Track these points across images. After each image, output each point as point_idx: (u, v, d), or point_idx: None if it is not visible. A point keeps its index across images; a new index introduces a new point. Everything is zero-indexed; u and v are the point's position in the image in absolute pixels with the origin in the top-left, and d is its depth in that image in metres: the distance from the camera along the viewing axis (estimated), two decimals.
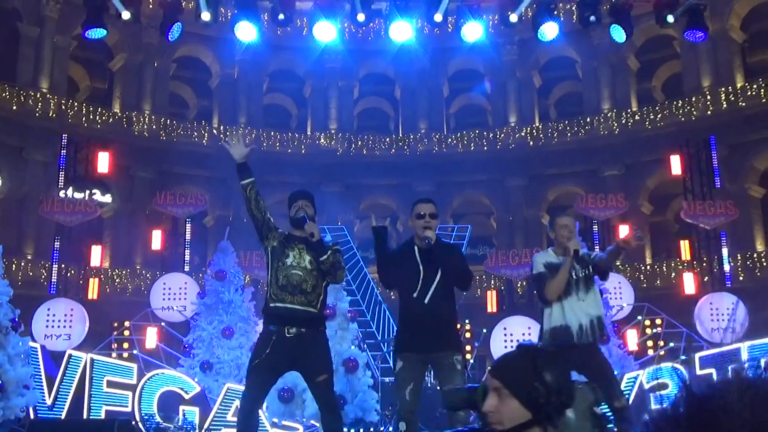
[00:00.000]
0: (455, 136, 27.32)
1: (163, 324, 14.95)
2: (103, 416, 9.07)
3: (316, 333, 5.03)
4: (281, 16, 11.93)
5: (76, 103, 24.84)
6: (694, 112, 24.04)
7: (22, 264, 21.72)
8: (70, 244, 18.88)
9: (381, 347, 16.78)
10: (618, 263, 22.87)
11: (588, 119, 25.99)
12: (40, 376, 9.01)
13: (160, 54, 26.06)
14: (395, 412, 6.21)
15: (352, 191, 26.37)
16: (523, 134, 26.64)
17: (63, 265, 18.77)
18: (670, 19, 11.82)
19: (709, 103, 23.90)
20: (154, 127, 25.56)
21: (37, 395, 8.64)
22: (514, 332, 14.65)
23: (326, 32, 12.29)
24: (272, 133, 27.00)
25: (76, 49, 25.75)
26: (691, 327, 15.53)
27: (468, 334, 16.54)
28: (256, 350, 5.04)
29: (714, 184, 19.94)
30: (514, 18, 12.35)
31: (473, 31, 12.22)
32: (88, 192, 19.39)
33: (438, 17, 11.89)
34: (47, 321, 15.00)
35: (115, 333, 15.56)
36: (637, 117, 25.46)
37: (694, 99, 24.25)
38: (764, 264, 22.22)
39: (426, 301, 4.91)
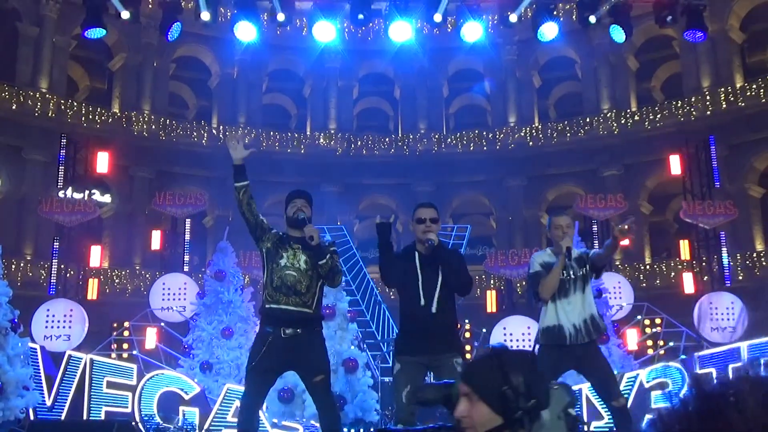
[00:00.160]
0: (455, 136, 27.32)
1: (162, 324, 14.94)
2: (102, 417, 9.07)
3: (312, 333, 5.02)
4: (281, 16, 11.92)
5: (75, 103, 24.82)
6: (694, 112, 24.05)
7: (22, 264, 21.71)
8: (69, 244, 18.86)
9: (380, 347, 16.78)
10: (617, 263, 22.91)
11: (587, 119, 26.00)
12: (40, 376, 9.01)
13: (159, 54, 26.05)
14: (394, 414, 6.21)
15: (352, 191, 26.36)
16: (522, 134, 26.64)
17: (62, 266, 18.74)
18: (670, 19, 11.82)
19: (708, 103, 23.91)
20: (153, 127, 25.55)
21: (36, 396, 8.63)
22: (513, 332, 14.66)
23: (326, 32, 12.28)
24: (272, 133, 26.99)
25: (75, 48, 25.74)
26: (691, 326, 15.54)
27: (467, 334, 16.55)
28: (253, 352, 5.04)
29: (713, 184, 19.94)
30: (513, 18, 12.35)
31: (473, 32, 12.22)
32: (87, 192, 19.37)
33: (437, 17, 11.88)
34: (47, 321, 14.98)
35: (114, 333, 15.55)
36: (636, 117, 25.47)
37: (693, 99, 24.26)
38: (763, 263, 22.24)
39: (425, 305, 4.91)
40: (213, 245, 21.74)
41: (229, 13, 20.33)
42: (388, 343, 16.48)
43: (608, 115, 25.75)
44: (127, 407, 9.21)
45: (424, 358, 4.89)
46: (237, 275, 13.52)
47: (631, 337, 15.39)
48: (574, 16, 18.91)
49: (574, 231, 5.57)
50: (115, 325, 16.00)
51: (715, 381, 1.14)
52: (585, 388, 9.53)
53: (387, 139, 27.70)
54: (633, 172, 25.08)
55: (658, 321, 15.80)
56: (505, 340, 14.51)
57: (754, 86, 23.35)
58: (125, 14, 11.60)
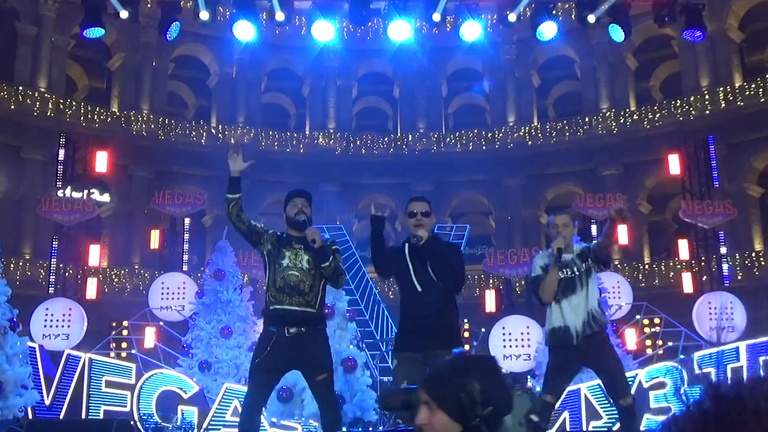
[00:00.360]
0: (454, 136, 27.32)
1: (161, 323, 14.92)
2: (101, 416, 9.06)
3: (316, 332, 5.02)
4: (280, 16, 11.92)
5: (74, 103, 24.82)
6: (693, 112, 24.06)
7: (21, 264, 21.71)
8: (68, 243, 18.85)
9: (379, 347, 16.77)
10: (617, 262, 22.92)
11: (586, 119, 26.01)
12: (39, 376, 9.00)
13: (158, 53, 26.04)
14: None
15: (351, 190, 26.36)
16: (521, 134, 26.64)
17: (61, 265, 18.73)
18: (669, 18, 11.82)
19: (707, 102, 23.92)
20: (152, 126, 25.54)
21: (35, 395, 8.63)
22: (512, 332, 14.65)
23: (325, 31, 12.28)
24: (270, 132, 26.98)
25: (74, 48, 25.72)
26: (690, 326, 15.54)
27: (466, 334, 16.54)
28: (257, 351, 5.04)
29: (712, 183, 19.94)
30: (512, 17, 12.35)
31: (472, 31, 12.21)
32: (86, 191, 19.36)
33: (436, 17, 11.88)
34: (45, 321, 14.96)
35: (113, 333, 15.53)
36: (635, 116, 25.48)
37: (692, 98, 24.28)
38: (762, 263, 22.25)
39: (422, 299, 4.90)
40: (212, 244, 21.72)
41: (227, 13, 20.31)
42: (386, 343, 16.47)
43: (607, 114, 25.76)
44: (125, 406, 9.21)
45: (421, 355, 4.88)
46: (236, 274, 13.51)
47: (630, 337, 15.39)
48: (573, 16, 18.88)
49: (572, 230, 5.51)
50: (113, 324, 15.98)
51: (733, 382, 1.12)
52: (584, 388, 9.54)
53: (386, 139, 27.70)
54: (632, 172, 25.09)
55: (657, 321, 15.81)
56: (504, 340, 14.52)
57: (753, 86, 23.36)
58: (124, 14, 11.59)
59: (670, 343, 14.73)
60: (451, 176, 26.13)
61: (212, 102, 28.03)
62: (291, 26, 13.92)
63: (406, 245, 5.02)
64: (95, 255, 19.00)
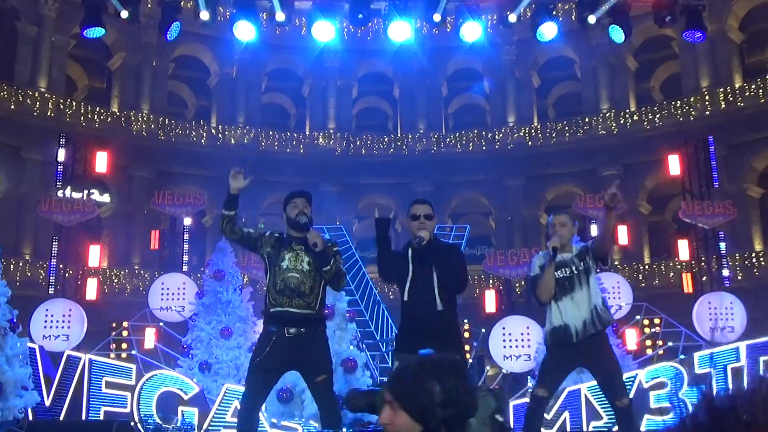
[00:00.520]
0: (454, 136, 27.32)
1: (161, 324, 14.92)
2: (101, 417, 9.05)
3: (316, 333, 5.02)
4: (280, 16, 11.91)
5: (74, 103, 24.81)
6: (693, 113, 24.06)
7: (20, 264, 21.70)
8: (68, 244, 18.84)
9: (380, 347, 16.78)
10: (617, 263, 22.93)
11: (586, 119, 26.01)
12: (39, 376, 8.99)
13: (158, 53, 26.04)
14: None
15: (351, 191, 26.37)
16: (521, 134, 26.64)
17: (61, 266, 18.72)
18: (669, 19, 11.81)
19: (707, 103, 23.92)
20: (152, 126, 25.53)
21: (35, 396, 8.61)
22: (512, 332, 14.64)
23: (325, 32, 12.27)
24: (271, 132, 26.98)
25: (74, 48, 25.72)
26: (690, 326, 15.54)
27: (467, 334, 16.53)
28: (256, 350, 5.04)
29: (712, 184, 19.93)
30: (512, 18, 12.34)
31: (472, 31, 12.21)
32: (86, 192, 19.35)
33: (437, 17, 11.88)
34: (45, 321, 14.96)
35: (113, 333, 15.53)
36: (635, 117, 25.48)
37: (692, 99, 24.28)
38: (762, 264, 22.26)
39: (422, 300, 4.89)
40: (212, 245, 21.71)
41: (228, 13, 20.31)
42: (386, 343, 16.48)
43: (607, 115, 25.76)
44: (125, 407, 9.20)
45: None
46: (236, 275, 13.50)
47: (630, 337, 15.39)
48: (573, 16, 18.89)
49: (570, 230, 5.50)
50: (113, 325, 15.98)
51: (727, 393, 1.12)
52: (584, 388, 9.53)
53: (386, 139, 27.70)
54: (632, 172, 25.08)
55: (657, 321, 15.80)
56: (504, 341, 14.51)
57: (753, 86, 23.37)
58: (124, 14, 11.59)
59: (670, 344, 14.73)
60: (451, 176, 26.13)
61: (212, 102, 28.03)
62: (291, 26, 13.92)
63: (409, 249, 5.02)
64: (95, 255, 19.00)
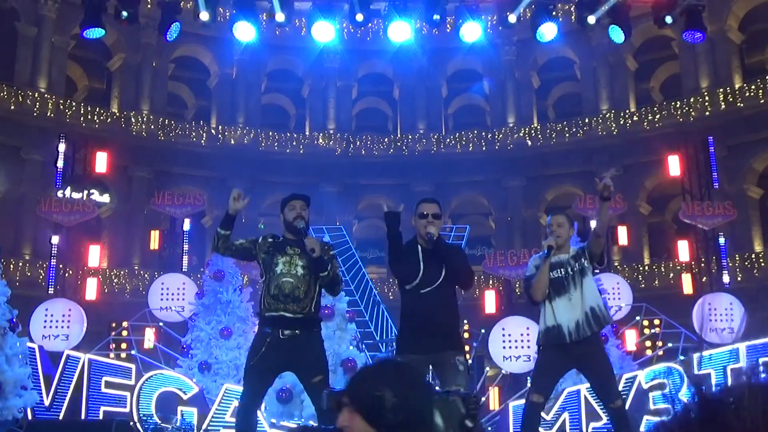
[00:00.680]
0: (454, 137, 27.32)
1: (161, 324, 14.92)
2: (101, 417, 9.05)
3: (311, 334, 5.02)
4: (280, 16, 11.91)
5: (74, 103, 24.82)
6: (693, 113, 24.06)
7: (20, 264, 21.70)
8: (68, 244, 18.84)
9: (379, 347, 16.78)
10: (616, 263, 22.92)
11: (586, 120, 26.01)
12: (38, 376, 9.00)
13: (158, 54, 26.04)
14: None
15: (350, 191, 26.36)
16: (521, 135, 26.65)
17: (61, 266, 18.72)
18: (669, 20, 11.82)
19: (707, 103, 23.92)
20: (152, 127, 25.53)
21: (34, 396, 8.62)
22: (512, 332, 14.63)
23: (325, 32, 12.28)
24: (270, 133, 26.97)
25: (74, 48, 25.72)
26: (690, 327, 15.54)
27: (466, 335, 16.53)
28: (252, 352, 5.05)
29: (712, 184, 19.94)
30: (512, 18, 12.35)
31: (472, 32, 12.22)
32: (86, 192, 19.35)
33: (436, 18, 11.88)
34: (45, 321, 14.96)
35: (113, 333, 15.52)
36: (635, 117, 25.48)
37: (692, 100, 24.28)
38: (762, 264, 22.25)
39: (425, 300, 4.89)
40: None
41: (228, 13, 20.32)
42: (386, 344, 16.48)
43: (607, 115, 25.76)
44: (125, 407, 9.20)
45: (425, 356, 4.86)
46: (236, 275, 13.51)
47: (630, 338, 15.39)
48: (573, 17, 18.90)
49: (567, 230, 5.49)
50: (113, 324, 15.97)
51: (718, 387, 1.14)
52: (583, 389, 9.53)
53: (386, 140, 27.70)
54: (632, 173, 25.07)
55: (656, 322, 15.80)
56: (504, 341, 14.51)
57: (753, 87, 23.36)
58: (124, 14, 11.59)
59: (669, 345, 14.72)
60: (451, 177, 26.12)
61: (212, 103, 28.03)
62: (291, 27, 13.95)
63: (419, 246, 5.01)
64: (95, 255, 19.01)
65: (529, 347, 14.25)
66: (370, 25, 14.48)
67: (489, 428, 12.69)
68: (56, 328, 14.96)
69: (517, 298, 22.27)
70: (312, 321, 5.04)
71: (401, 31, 12.28)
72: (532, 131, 26.66)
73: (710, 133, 21.13)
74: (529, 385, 5.96)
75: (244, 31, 11.88)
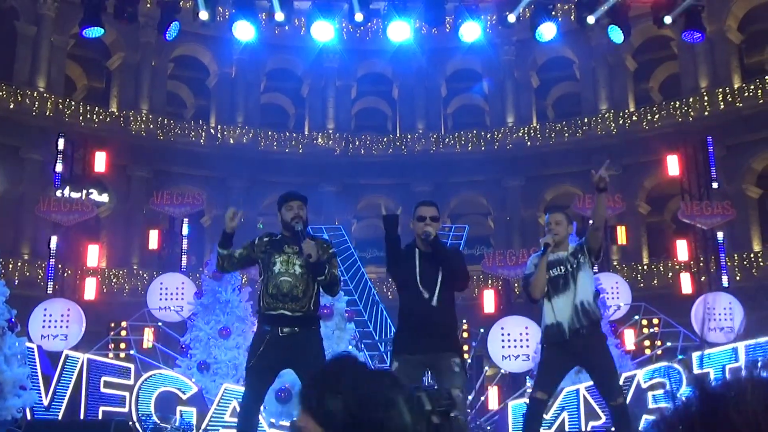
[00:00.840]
0: (453, 136, 27.32)
1: (160, 324, 14.91)
2: (100, 417, 9.05)
3: (309, 332, 5.02)
4: (279, 16, 11.91)
5: (73, 102, 24.81)
6: (692, 113, 24.07)
7: (19, 264, 21.69)
8: (66, 243, 18.82)
9: (378, 347, 16.78)
10: (615, 263, 22.93)
11: (585, 119, 26.02)
12: (37, 376, 8.99)
13: (157, 53, 26.03)
14: None
15: (350, 191, 26.36)
16: (520, 134, 26.65)
17: (60, 265, 18.70)
18: (668, 20, 11.83)
19: (706, 103, 23.93)
20: (151, 126, 25.52)
21: (33, 396, 8.61)
22: (511, 332, 14.64)
23: (324, 32, 12.29)
24: (270, 132, 26.97)
25: (73, 47, 25.71)
26: (688, 327, 15.55)
27: (465, 334, 16.54)
28: (251, 350, 5.06)
29: (711, 184, 19.93)
30: (512, 18, 12.36)
31: (471, 32, 12.23)
32: (85, 191, 19.33)
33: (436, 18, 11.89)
34: (44, 321, 14.95)
35: (111, 333, 15.51)
36: (634, 117, 25.49)
37: (691, 100, 24.29)
38: (761, 264, 22.27)
39: (423, 302, 4.90)
40: (211, 245, 21.72)
41: (227, 13, 20.31)
42: (385, 343, 16.47)
43: (606, 115, 25.77)
44: (124, 407, 9.20)
45: (422, 357, 4.87)
46: (235, 275, 13.46)
47: (629, 338, 15.39)
48: (572, 17, 18.91)
49: (566, 229, 5.50)
50: (112, 324, 15.96)
51: (717, 381, 1.14)
52: (582, 388, 9.54)
53: (385, 139, 27.70)
54: (631, 173, 25.09)
55: (655, 321, 15.80)
56: (503, 341, 14.51)
57: (752, 87, 23.38)
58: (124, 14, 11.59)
59: (668, 344, 14.74)
60: (450, 177, 26.13)
61: (211, 102, 28.02)
62: (290, 26, 13.94)
63: (416, 249, 5.02)
64: (94, 255, 18.99)
65: (528, 346, 14.26)
66: (369, 24, 14.51)
67: (488, 428, 12.70)
68: (55, 327, 14.95)
69: (516, 297, 22.27)
70: (311, 319, 5.05)
71: (400, 31, 12.29)
72: (532, 131, 26.66)
73: (709, 133, 21.13)
74: (533, 383, 5.96)
75: (244, 31, 11.88)
